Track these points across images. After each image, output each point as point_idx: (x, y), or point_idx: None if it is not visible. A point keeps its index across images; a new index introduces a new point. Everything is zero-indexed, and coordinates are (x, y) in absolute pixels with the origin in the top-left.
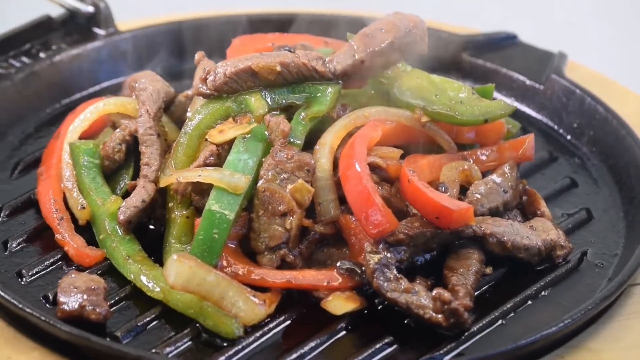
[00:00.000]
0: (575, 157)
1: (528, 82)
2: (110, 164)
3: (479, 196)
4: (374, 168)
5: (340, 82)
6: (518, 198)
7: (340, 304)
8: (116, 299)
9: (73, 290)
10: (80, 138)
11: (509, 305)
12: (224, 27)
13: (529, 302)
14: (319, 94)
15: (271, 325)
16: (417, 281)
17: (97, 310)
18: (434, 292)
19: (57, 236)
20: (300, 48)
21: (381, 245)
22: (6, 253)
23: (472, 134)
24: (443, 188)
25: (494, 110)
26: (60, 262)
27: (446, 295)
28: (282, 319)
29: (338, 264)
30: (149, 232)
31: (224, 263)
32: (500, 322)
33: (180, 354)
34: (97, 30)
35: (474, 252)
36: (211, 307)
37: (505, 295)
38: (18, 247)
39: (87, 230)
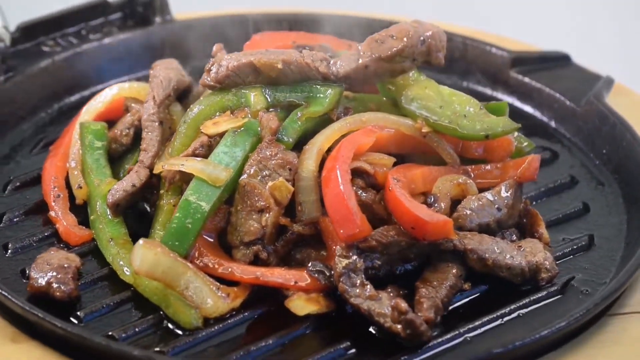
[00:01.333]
0: (597, 182)
1: (568, 103)
2: (117, 147)
3: (468, 211)
4: (361, 173)
5: (343, 84)
6: (516, 217)
7: (301, 305)
8: (92, 278)
9: (46, 267)
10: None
11: (477, 322)
12: (267, 25)
13: (501, 320)
14: (320, 95)
15: (234, 320)
16: (388, 290)
17: (62, 288)
18: (393, 301)
19: (51, 213)
20: (318, 49)
21: (352, 250)
22: (0, 225)
23: (480, 149)
24: (431, 199)
25: (495, 126)
26: (49, 239)
27: (403, 305)
28: (246, 314)
29: (309, 265)
30: (148, 217)
31: (196, 254)
32: (465, 337)
33: (136, 339)
34: (153, 18)
35: (452, 266)
36: (174, 295)
37: (480, 312)
38: (13, 221)
39: (85, 211)
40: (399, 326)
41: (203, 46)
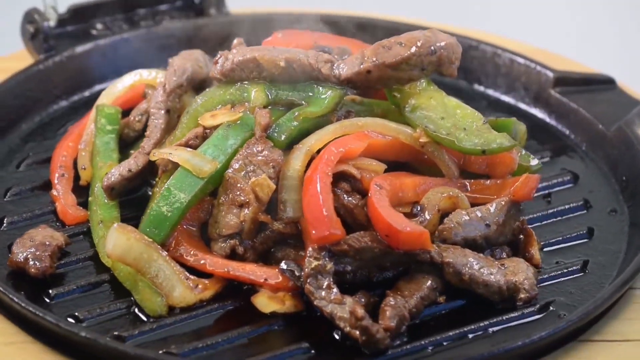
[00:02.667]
0: (611, 209)
1: (600, 127)
2: (129, 132)
3: (454, 225)
4: (348, 177)
5: (345, 88)
6: (509, 235)
7: (265, 302)
8: (76, 258)
9: (28, 242)
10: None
11: (444, 336)
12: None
13: (469, 336)
14: (320, 96)
15: (201, 311)
16: (357, 295)
17: (37, 264)
18: (350, 307)
19: (52, 191)
20: (336, 51)
21: (324, 253)
22: (4, 199)
23: (483, 164)
24: (417, 209)
25: (492, 142)
26: (47, 217)
27: (359, 311)
28: (215, 307)
29: (282, 263)
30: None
31: (173, 243)
32: (427, 350)
33: (99, 322)
34: (209, 10)
35: (428, 278)
36: (144, 282)
37: (451, 326)
38: (17, 196)
39: (88, 192)
40: (357, 332)
41: (249, 41)
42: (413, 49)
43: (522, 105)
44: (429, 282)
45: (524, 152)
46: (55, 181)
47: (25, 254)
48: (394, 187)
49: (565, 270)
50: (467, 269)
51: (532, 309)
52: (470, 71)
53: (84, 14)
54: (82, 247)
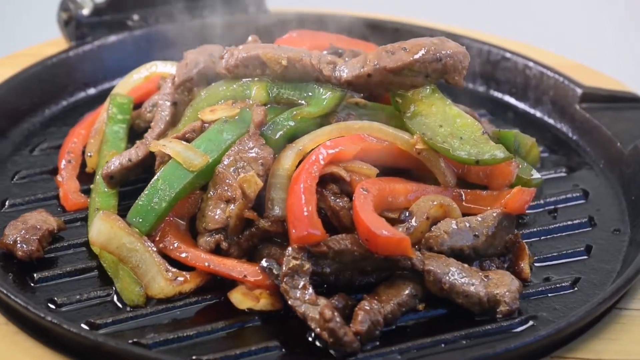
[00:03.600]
0: (613, 228)
1: (618, 145)
2: (140, 122)
3: (442, 233)
4: (337, 180)
5: (345, 90)
6: (500, 248)
7: (239, 298)
8: (68, 244)
9: (20, 225)
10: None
11: (415, 343)
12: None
13: (442, 345)
14: (320, 97)
15: (180, 303)
16: (335, 298)
17: (25, 247)
18: (319, 308)
19: (57, 176)
20: (348, 54)
21: (303, 253)
22: (12, 181)
23: (482, 175)
24: (405, 215)
25: (486, 153)
26: (49, 201)
27: (328, 313)
28: (194, 299)
29: (262, 261)
30: None
31: (159, 234)
32: (396, 356)
33: (76, 308)
34: (248, 7)
35: (408, 285)
36: (125, 270)
37: (427, 334)
38: (24, 179)
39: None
40: (325, 333)
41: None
42: (416, 56)
43: (549, 119)
44: (409, 289)
45: (525, 165)
46: (62, 167)
47: (15, 237)
48: (383, 192)
49: (554, 286)
50: (448, 277)
51: (511, 323)
52: (502, 82)
53: (121, 4)
54: (78, 234)
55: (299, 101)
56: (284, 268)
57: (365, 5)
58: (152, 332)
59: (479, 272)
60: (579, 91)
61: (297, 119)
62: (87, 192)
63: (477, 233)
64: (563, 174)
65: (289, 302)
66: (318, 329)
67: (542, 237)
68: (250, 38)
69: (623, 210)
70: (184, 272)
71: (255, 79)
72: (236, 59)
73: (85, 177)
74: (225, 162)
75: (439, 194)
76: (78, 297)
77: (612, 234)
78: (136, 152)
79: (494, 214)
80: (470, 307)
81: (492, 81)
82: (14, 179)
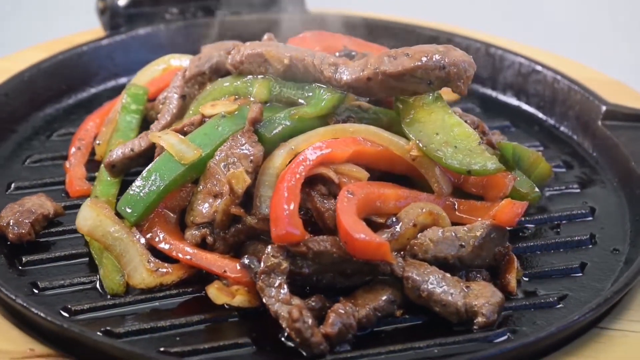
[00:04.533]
0: (613, 248)
1: (632, 164)
2: (153, 114)
3: (426, 241)
4: (326, 181)
5: (344, 92)
6: (488, 259)
7: (215, 293)
8: (63, 229)
9: (16, 207)
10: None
11: (387, 349)
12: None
13: (412, 352)
14: (319, 98)
15: (159, 295)
16: (312, 299)
17: (16, 229)
18: (289, 307)
19: (66, 162)
20: (359, 57)
21: (283, 252)
22: (23, 164)
23: (478, 185)
24: (392, 221)
25: (478, 164)
26: (56, 187)
27: (295, 313)
28: (175, 292)
29: (244, 257)
30: None
31: (146, 225)
32: None
33: (57, 292)
34: (287, 6)
35: (387, 290)
36: (109, 259)
37: (401, 341)
38: (36, 163)
39: None
40: (293, 333)
41: None
42: (418, 62)
43: (572, 135)
44: (387, 294)
45: (523, 178)
46: (71, 153)
47: (8, 219)
48: (370, 196)
49: (540, 302)
50: (426, 285)
51: (487, 335)
52: (531, 95)
53: None
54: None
55: (300, 101)
56: (262, 266)
57: (407, 10)
58: (127, 321)
59: (460, 282)
60: (603, 108)
61: (294, 119)
62: (93, 179)
63: (463, 243)
64: (575, 190)
65: (264, 300)
66: (287, 328)
67: (539, 252)
68: (265, 36)
69: (627, 230)
70: (167, 264)
71: (259, 76)
72: (241, 55)
73: (95, 165)
74: (217, 157)
75: (431, 202)
76: (62, 282)
77: (610, 253)
78: (139, 143)
79: (483, 225)
80: (447, 317)
81: (522, 94)
82: (25, 163)
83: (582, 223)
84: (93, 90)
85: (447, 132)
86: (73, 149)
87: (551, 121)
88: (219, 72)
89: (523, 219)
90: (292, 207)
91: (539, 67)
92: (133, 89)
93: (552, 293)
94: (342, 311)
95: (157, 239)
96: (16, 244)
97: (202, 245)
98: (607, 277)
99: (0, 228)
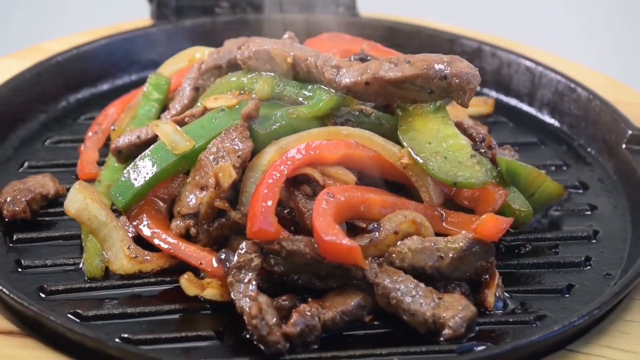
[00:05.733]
0: (606, 272)
1: None
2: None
3: (405, 250)
4: (311, 182)
5: (343, 95)
6: (471, 273)
7: (185, 284)
8: (61, 210)
9: (18, 185)
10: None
11: (345, 354)
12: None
13: (371, 358)
14: (318, 99)
15: (137, 282)
16: (283, 297)
17: (11, 207)
18: (249, 303)
19: (80, 146)
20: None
21: (257, 248)
22: (42, 144)
23: (470, 198)
24: (373, 226)
25: (464, 176)
26: (68, 169)
27: (254, 310)
28: (153, 280)
29: (220, 251)
30: None
31: (135, 212)
32: None
33: (38, 272)
34: (338, 8)
35: (358, 295)
36: (92, 242)
37: (365, 347)
38: (54, 144)
39: None
40: (251, 329)
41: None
42: (418, 71)
43: (598, 157)
44: (358, 299)
45: (515, 193)
46: (87, 137)
47: (8, 196)
48: (353, 200)
49: (516, 319)
50: (396, 293)
51: (450, 348)
52: (565, 114)
53: None
54: None
55: (300, 100)
56: (234, 261)
57: (460, 19)
58: (98, 305)
59: (433, 293)
60: (628, 132)
61: (291, 118)
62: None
63: (442, 254)
64: (584, 212)
65: (232, 295)
66: (248, 325)
67: (530, 270)
68: (286, 35)
69: (624, 256)
70: (149, 252)
71: (266, 73)
72: (250, 51)
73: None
74: (210, 150)
75: (419, 211)
76: (45, 262)
77: (602, 277)
78: (147, 131)
79: (465, 238)
80: (416, 326)
81: (556, 112)
82: (45, 143)
83: (582, 245)
84: (133, 78)
85: (439, 142)
86: (90, 133)
87: (580, 141)
88: (237, 67)
89: (523, 236)
90: (268, 204)
91: (573, 85)
92: (155, 78)
93: (531, 312)
94: (308, 312)
95: (141, 226)
96: (10, 221)
97: (187, 236)
98: (591, 301)
99: (1, 204)
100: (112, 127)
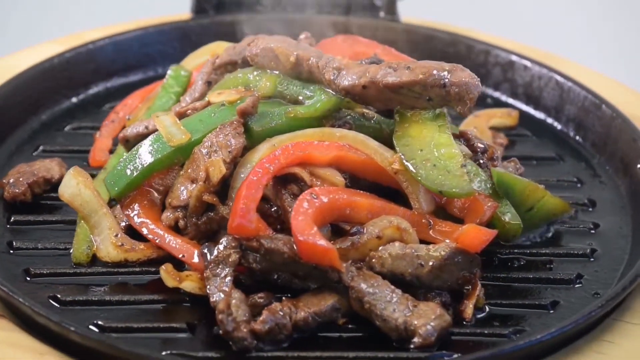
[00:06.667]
0: (594, 292)
1: None
2: None
3: (385, 255)
4: (299, 181)
5: (342, 97)
6: (452, 283)
7: (163, 276)
8: None
9: (24, 168)
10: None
11: (310, 355)
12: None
13: None
14: (318, 99)
15: (122, 270)
16: (259, 295)
17: (12, 189)
18: (216, 297)
19: (97, 133)
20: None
21: (237, 244)
22: (62, 131)
23: (461, 208)
24: (357, 229)
25: (451, 185)
26: (81, 155)
27: (221, 305)
28: (139, 270)
29: (202, 245)
30: None
31: (127, 201)
32: None
33: (25, 254)
34: (378, 13)
35: (333, 297)
36: (83, 228)
37: (337, 349)
38: (74, 130)
39: None
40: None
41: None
42: (416, 77)
43: (615, 175)
44: (332, 301)
45: (507, 207)
46: (104, 124)
47: (12, 178)
48: (338, 203)
49: (492, 332)
50: (370, 298)
51: (419, 355)
52: (589, 130)
53: None
54: None
55: (300, 99)
56: (212, 255)
57: (504, 27)
58: (79, 291)
59: (409, 300)
60: None
61: (289, 117)
62: None
63: (422, 262)
64: (587, 230)
65: (206, 289)
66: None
67: (519, 284)
68: (302, 35)
69: (617, 276)
70: (138, 242)
71: (271, 71)
72: (257, 48)
73: None
74: (203, 144)
75: (407, 217)
76: (37, 245)
77: (590, 296)
78: (154, 122)
79: (447, 248)
80: (388, 332)
81: (581, 128)
82: (65, 128)
83: (577, 263)
84: (159, 71)
85: (431, 150)
86: (106, 122)
87: (600, 159)
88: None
89: (519, 250)
90: (249, 200)
91: (598, 102)
92: (176, 70)
93: (510, 325)
94: (279, 311)
95: (132, 215)
96: (11, 203)
97: (176, 228)
98: (570, 318)
99: (2, 185)
100: (128, 117)
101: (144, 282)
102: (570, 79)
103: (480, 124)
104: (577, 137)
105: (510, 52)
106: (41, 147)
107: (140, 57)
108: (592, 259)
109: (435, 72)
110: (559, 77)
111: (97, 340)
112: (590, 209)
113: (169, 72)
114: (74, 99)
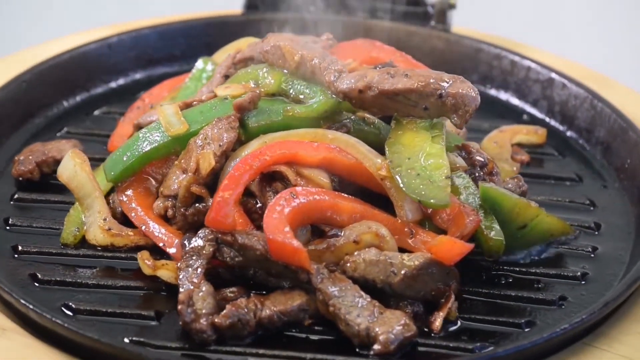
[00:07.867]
0: (583, 307)
1: None
2: None
3: (359, 260)
4: (284, 180)
5: (339, 99)
6: (425, 293)
7: (140, 263)
8: None
9: (38, 147)
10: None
11: (268, 353)
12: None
13: None
14: (316, 100)
15: (108, 254)
16: (231, 289)
17: (20, 167)
18: (185, 288)
19: (121, 119)
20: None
21: (212, 237)
22: (92, 114)
23: (445, 219)
24: (335, 232)
25: (429, 195)
26: (102, 139)
27: (181, 296)
28: (124, 256)
29: (184, 236)
30: None
31: (123, 187)
32: (246, 358)
33: (21, 232)
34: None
35: (301, 297)
36: (76, 210)
37: (302, 350)
38: (103, 115)
39: None
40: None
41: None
42: (412, 85)
43: (628, 203)
44: (300, 301)
45: (493, 222)
46: (128, 111)
47: (22, 157)
48: (318, 205)
49: (456, 346)
50: (335, 301)
51: None
52: (615, 154)
53: None
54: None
55: (302, 98)
56: (188, 247)
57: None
58: (60, 271)
59: (376, 307)
60: None
61: (286, 115)
62: None
63: (395, 270)
64: (584, 254)
65: (178, 281)
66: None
67: (499, 301)
68: (324, 36)
69: (601, 302)
70: (127, 228)
71: (279, 69)
72: (268, 45)
73: None
74: (198, 136)
75: (390, 224)
76: (32, 223)
77: (568, 320)
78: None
79: (421, 258)
80: (350, 337)
81: (609, 151)
82: (95, 113)
83: (565, 285)
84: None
85: (418, 159)
86: (132, 108)
87: (621, 185)
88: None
89: (509, 267)
90: (227, 194)
91: (625, 125)
92: (203, 62)
93: (478, 341)
94: (242, 306)
95: (125, 202)
96: (19, 180)
97: (166, 218)
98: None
99: (15, 162)
100: (151, 105)
101: (128, 268)
102: (603, 100)
103: (503, 139)
104: (603, 161)
105: (550, 70)
106: (65, 129)
107: (184, 47)
108: (582, 282)
109: (432, 81)
110: (593, 98)
111: (51, 320)
112: (596, 233)
113: (197, 64)
114: (113, 84)
